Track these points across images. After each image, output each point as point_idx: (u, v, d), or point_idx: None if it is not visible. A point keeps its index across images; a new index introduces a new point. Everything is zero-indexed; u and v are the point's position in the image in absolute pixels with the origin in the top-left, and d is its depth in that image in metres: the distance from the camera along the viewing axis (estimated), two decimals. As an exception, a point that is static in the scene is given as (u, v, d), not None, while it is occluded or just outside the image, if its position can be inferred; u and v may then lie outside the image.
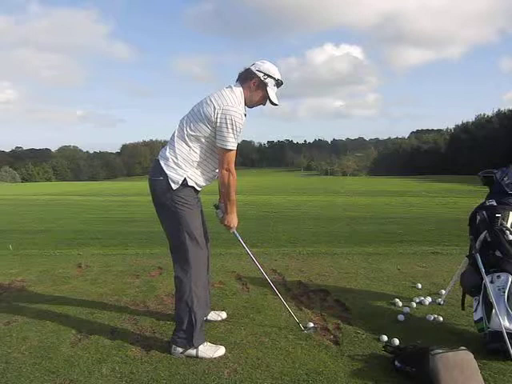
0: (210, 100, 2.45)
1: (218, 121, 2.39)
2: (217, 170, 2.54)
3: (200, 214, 2.58)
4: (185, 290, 2.47)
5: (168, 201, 2.45)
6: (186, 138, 2.46)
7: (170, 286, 3.57)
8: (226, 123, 2.38)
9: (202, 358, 2.41)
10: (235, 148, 2.45)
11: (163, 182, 2.44)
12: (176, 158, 2.45)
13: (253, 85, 2.53)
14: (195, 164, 2.48)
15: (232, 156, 2.44)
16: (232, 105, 2.41)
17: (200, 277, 2.51)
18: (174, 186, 2.43)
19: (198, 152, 2.47)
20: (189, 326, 2.46)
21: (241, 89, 2.52)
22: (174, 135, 2.52)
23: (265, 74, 2.52)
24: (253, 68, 2.54)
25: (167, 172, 2.44)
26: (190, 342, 2.44)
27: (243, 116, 2.45)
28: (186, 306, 2.47)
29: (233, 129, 2.39)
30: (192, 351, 2.44)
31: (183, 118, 2.55)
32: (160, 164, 2.47)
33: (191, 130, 2.46)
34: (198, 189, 2.56)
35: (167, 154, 2.48)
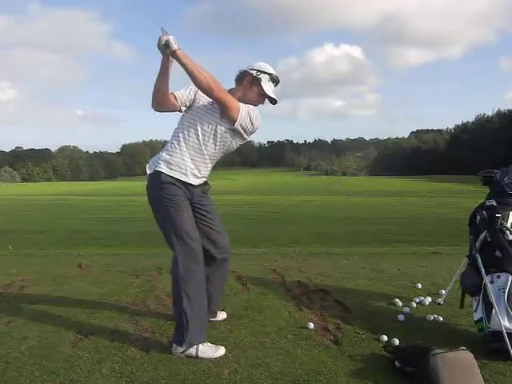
0: None
1: None
2: (201, 165, 2.55)
3: (190, 210, 2.55)
4: (174, 286, 2.50)
5: (154, 198, 2.52)
6: (174, 134, 2.60)
7: (170, 286, 3.57)
8: None
9: (201, 358, 2.41)
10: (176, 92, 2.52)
11: (148, 179, 2.56)
12: (159, 152, 2.60)
13: (247, 82, 2.54)
14: (174, 151, 2.52)
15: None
16: None
17: (190, 275, 2.46)
18: (148, 171, 2.52)
19: (178, 141, 2.53)
20: (180, 324, 2.47)
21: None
22: None
23: (258, 71, 2.54)
24: (246, 68, 2.59)
25: (147, 164, 2.58)
26: (183, 340, 2.42)
27: None
28: (176, 304, 2.50)
29: None
30: (192, 351, 2.43)
31: None
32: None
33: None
34: (181, 177, 2.49)
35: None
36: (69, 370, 2.28)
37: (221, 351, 2.46)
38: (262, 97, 2.58)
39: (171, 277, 2.52)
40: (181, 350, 2.44)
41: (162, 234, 2.56)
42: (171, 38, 2.28)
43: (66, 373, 2.26)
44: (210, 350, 2.44)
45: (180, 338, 2.45)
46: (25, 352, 2.50)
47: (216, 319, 2.95)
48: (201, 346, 2.44)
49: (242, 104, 2.50)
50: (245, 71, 2.57)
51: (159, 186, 2.47)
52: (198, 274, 2.50)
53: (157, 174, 2.49)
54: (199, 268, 2.52)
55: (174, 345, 2.47)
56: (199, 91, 2.49)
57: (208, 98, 2.50)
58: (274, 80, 2.58)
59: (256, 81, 2.54)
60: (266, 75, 2.54)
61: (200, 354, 2.42)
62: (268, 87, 2.55)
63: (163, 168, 2.48)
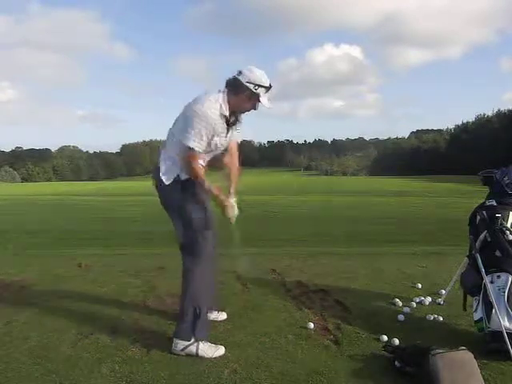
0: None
1: (183, 116, 2.49)
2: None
3: (207, 210, 2.65)
4: (192, 282, 2.54)
5: (175, 201, 2.56)
6: (174, 141, 2.55)
7: (170, 285, 3.57)
8: (187, 121, 2.44)
9: (201, 357, 2.42)
10: (198, 149, 2.43)
11: (164, 185, 2.55)
12: (169, 159, 2.56)
13: (245, 97, 2.54)
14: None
15: (193, 157, 2.46)
16: (199, 103, 2.45)
17: (207, 272, 2.59)
18: (167, 182, 2.54)
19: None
20: (193, 317, 2.51)
21: (222, 94, 2.52)
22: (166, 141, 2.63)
23: (255, 85, 2.50)
24: (242, 79, 2.50)
25: (162, 171, 2.56)
26: (192, 333, 2.47)
27: (217, 118, 2.46)
28: (191, 297, 2.53)
29: (193, 128, 2.41)
30: (192, 348, 2.44)
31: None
32: (159, 168, 2.57)
33: (175, 134, 2.56)
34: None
35: (162, 157, 2.60)
36: (69, 370, 2.28)
37: (220, 351, 2.47)
38: (257, 105, 2.60)
39: (188, 272, 2.56)
40: (182, 347, 2.45)
41: (176, 232, 2.61)
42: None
43: (66, 373, 2.26)
44: (209, 349, 2.46)
45: (187, 333, 2.48)
46: (25, 352, 2.51)
47: (216, 319, 2.96)
48: (201, 344, 2.46)
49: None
50: (242, 84, 2.50)
51: (187, 189, 2.54)
52: (211, 271, 2.64)
53: (181, 181, 2.55)
54: (211, 266, 2.65)
55: (176, 341, 2.47)
56: (215, 133, 2.50)
57: (220, 135, 2.54)
58: (269, 89, 2.58)
59: (255, 96, 2.53)
60: (264, 88, 2.53)
61: (200, 353, 2.43)
62: (266, 100, 2.56)
63: (181, 174, 2.55)
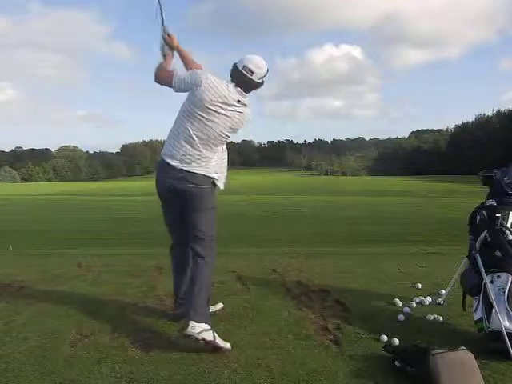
0: (235, 124, 2.68)
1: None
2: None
3: None
4: (207, 270, 2.69)
5: (210, 203, 2.73)
6: (209, 148, 2.67)
7: (170, 285, 3.55)
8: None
9: (216, 345, 2.43)
10: None
11: (208, 189, 2.70)
12: (208, 166, 2.69)
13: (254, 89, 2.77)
14: (219, 163, 2.76)
15: None
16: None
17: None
18: (205, 184, 2.68)
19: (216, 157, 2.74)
20: (208, 304, 2.65)
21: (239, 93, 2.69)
22: (194, 139, 2.62)
23: (264, 76, 2.74)
24: (255, 79, 2.68)
25: (212, 177, 2.71)
26: (208, 318, 2.55)
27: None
28: (207, 286, 2.66)
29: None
30: (210, 333, 2.45)
31: (193, 122, 2.63)
32: (199, 172, 2.65)
33: (210, 147, 2.67)
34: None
35: (209, 164, 2.69)
36: (69, 370, 2.28)
37: (228, 344, 2.49)
38: None
39: (209, 263, 2.71)
40: (200, 330, 2.45)
41: (194, 230, 2.72)
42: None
43: (66, 373, 2.26)
44: (221, 340, 2.49)
45: (207, 316, 2.55)
46: (25, 352, 2.50)
47: (215, 310, 3.03)
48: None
49: None
50: (258, 83, 2.71)
51: (214, 195, 2.74)
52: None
53: (215, 187, 2.77)
54: None
55: (193, 323, 2.46)
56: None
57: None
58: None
59: (261, 85, 2.77)
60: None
61: (218, 340, 2.45)
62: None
63: (220, 184, 2.78)
